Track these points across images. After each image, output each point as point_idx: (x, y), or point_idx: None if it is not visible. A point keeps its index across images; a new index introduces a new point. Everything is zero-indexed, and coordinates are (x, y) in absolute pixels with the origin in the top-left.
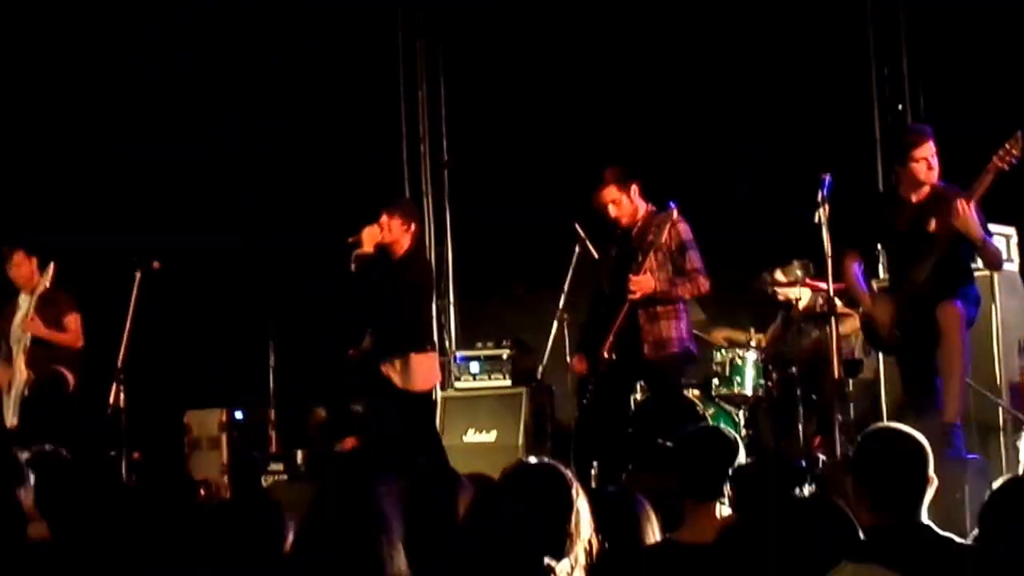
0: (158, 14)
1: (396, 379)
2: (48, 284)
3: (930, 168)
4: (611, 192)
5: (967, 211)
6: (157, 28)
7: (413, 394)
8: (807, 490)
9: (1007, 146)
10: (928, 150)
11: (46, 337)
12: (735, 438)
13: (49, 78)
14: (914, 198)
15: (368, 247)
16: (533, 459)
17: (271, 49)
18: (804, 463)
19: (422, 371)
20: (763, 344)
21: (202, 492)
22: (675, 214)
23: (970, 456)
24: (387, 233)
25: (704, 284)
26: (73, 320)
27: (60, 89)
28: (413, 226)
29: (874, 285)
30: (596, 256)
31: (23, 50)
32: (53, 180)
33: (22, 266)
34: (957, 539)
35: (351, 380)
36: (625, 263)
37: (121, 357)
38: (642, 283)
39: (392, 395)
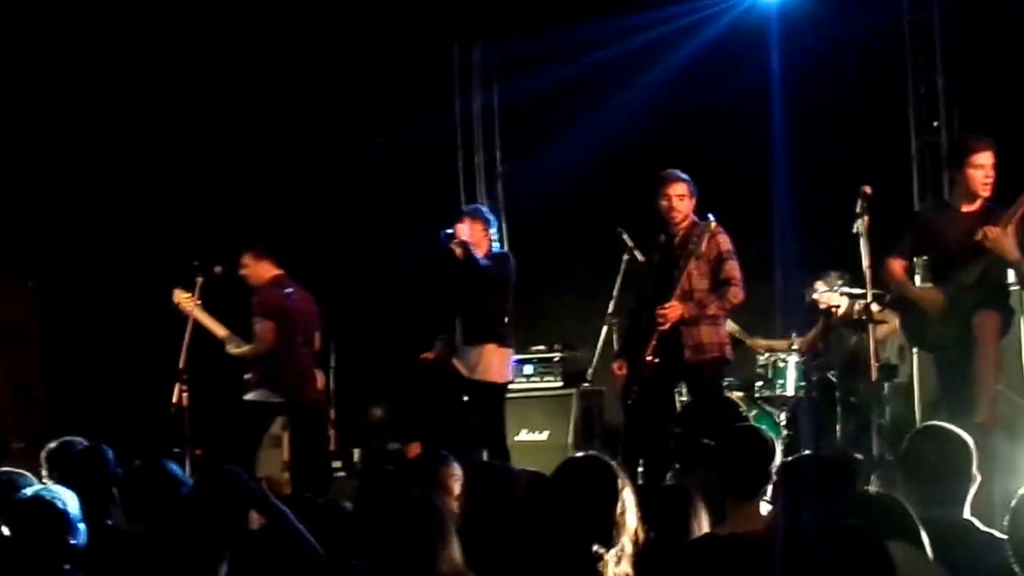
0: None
1: (465, 372)
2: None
3: (986, 178)
4: (681, 187)
5: (998, 234)
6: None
7: (487, 385)
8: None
9: None
10: (987, 159)
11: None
12: (771, 439)
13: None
14: (965, 208)
15: (463, 237)
16: (581, 454)
17: (327, 60)
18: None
19: (498, 363)
20: (804, 347)
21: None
22: (714, 225)
23: (1001, 456)
24: (470, 234)
25: (738, 295)
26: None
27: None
28: (491, 231)
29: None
30: (641, 260)
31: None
32: (123, 183)
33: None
34: (997, 533)
35: (416, 381)
36: (667, 270)
37: (183, 358)
38: (669, 313)
39: (463, 387)
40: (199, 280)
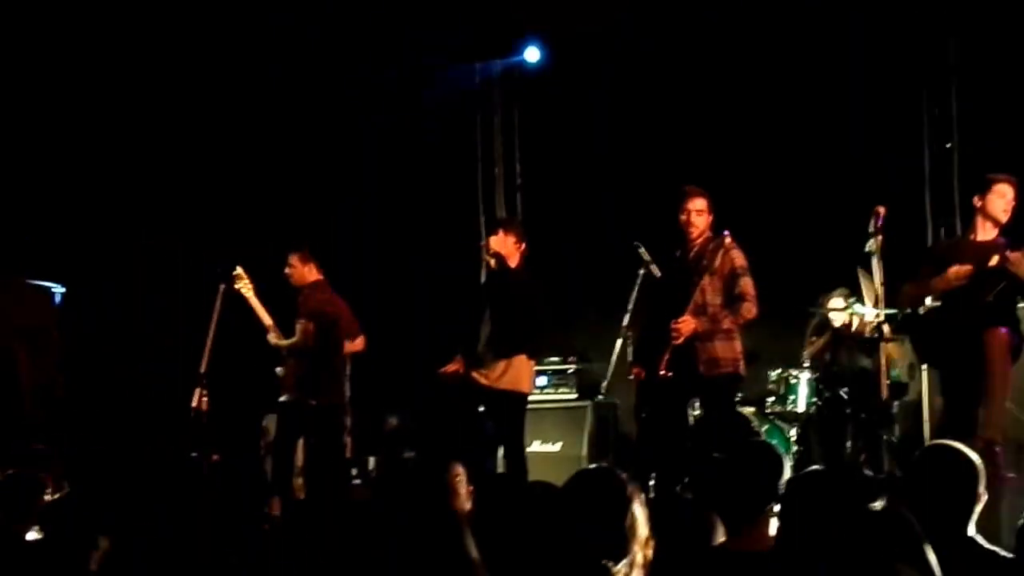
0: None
1: (487, 381)
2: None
3: (1008, 205)
4: (701, 203)
5: (1020, 257)
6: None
7: (510, 394)
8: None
9: None
10: (1011, 192)
11: None
12: (780, 455)
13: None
14: (980, 236)
15: (494, 248)
16: (592, 466)
17: (350, 71)
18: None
19: (523, 374)
20: (811, 354)
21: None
22: (729, 240)
23: (1008, 475)
24: (502, 245)
25: (751, 310)
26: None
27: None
28: (523, 246)
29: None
30: (658, 276)
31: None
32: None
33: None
34: (1002, 552)
35: (435, 392)
36: (681, 285)
37: (204, 363)
38: (683, 328)
39: (481, 397)
40: (222, 287)
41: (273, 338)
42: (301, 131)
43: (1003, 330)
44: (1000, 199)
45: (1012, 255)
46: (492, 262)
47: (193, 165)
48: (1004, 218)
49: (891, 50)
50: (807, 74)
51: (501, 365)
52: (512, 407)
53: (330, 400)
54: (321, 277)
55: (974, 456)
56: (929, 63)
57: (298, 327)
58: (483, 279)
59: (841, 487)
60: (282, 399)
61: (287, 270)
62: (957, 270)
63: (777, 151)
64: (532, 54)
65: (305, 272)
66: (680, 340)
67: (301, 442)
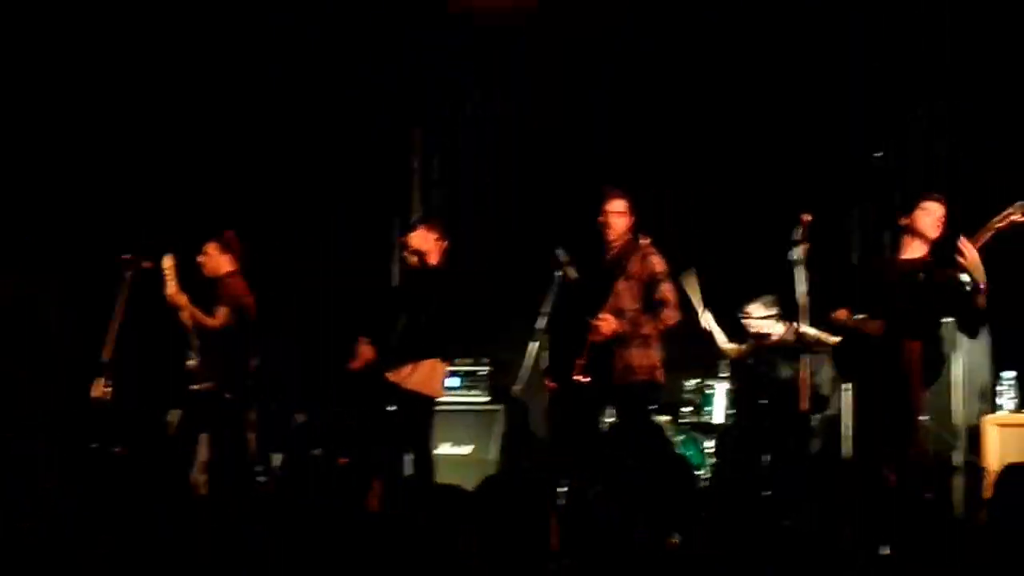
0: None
1: (403, 382)
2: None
3: (936, 223)
4: (622, 204)
5: (974, 250)
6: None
7: (420, 397)
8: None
9: (1008, 211)
10: (938, 210)
11: None
12: (692, 465)
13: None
14: (907, 254)
15: (418, 246)
16: (505, 471)
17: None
18: (768, 495)
19: (434, 376)
20: (731, 355)
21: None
22: (646, 244)
23: (926, 495)
24: (423, 242)
25: (672, 316)
26: None
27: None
28: (445, 243)
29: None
30: (574, 278)
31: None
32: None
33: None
34: None
35: (345, 388)
36: (598, 288)
37: (107, 353)
38: (604, 325)
39: (392, 396)
40: (128, 275)
41: (188, 316)
42: (221, 120)
43: (919, 345)
44: (927, 216)
45: (966, 244)
46: (413, 259)
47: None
48: (933, 234)
49: (821, 54)
50: (733, 78)
51: (411, 366)
52: (420, 409)
53: (242, 394)
54: (236, 268)
55: (888, 476)
56: (856, 68)
57: (219, 312)
58: (400, 276)
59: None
60: (194, 388)
61: (201, 258)
62: (874, 327)
63: (697, 156)
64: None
65: (221, 262)
66: (599, 338)
67: (205, 436)
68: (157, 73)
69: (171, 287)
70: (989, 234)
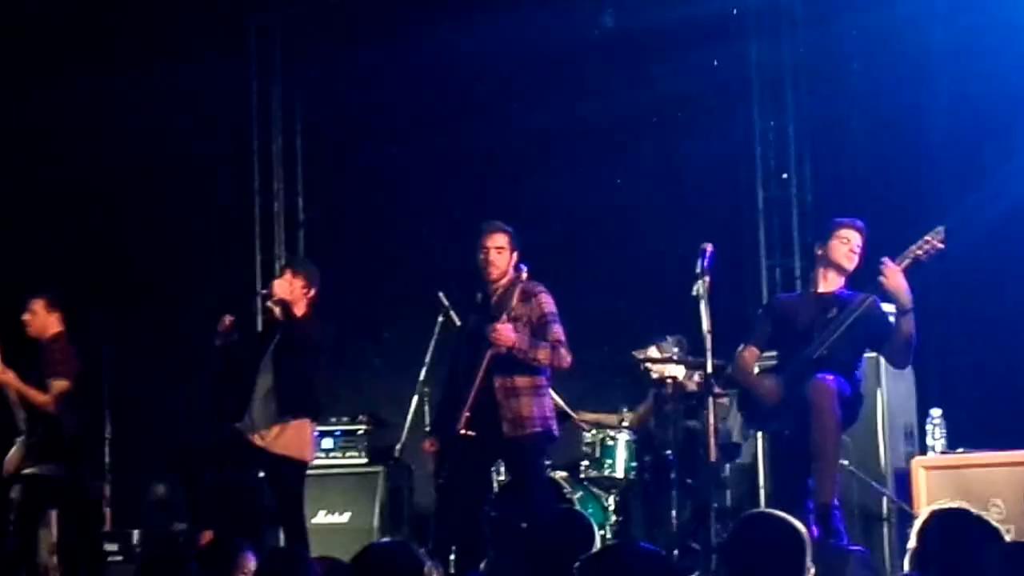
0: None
1: (278, 445)
2: None
3: (851, 252)
4: (501, 239)
5: (896, 271)
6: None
7: (289, 461)
8: None
9: (928, 238)
10: (855, 238)
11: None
12: (590, 523)
13: None
14: (821, 288)
15: (281, 295)
16: (386, 540)
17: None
18: (676, 553)
19: (303, 438)
20: (633, 424)
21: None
22: (528, 279)
23: (853, 547)
24: (288, 290)
25: (566, 358)
26: None
27: None
28: (312, 292)
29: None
30: (457, 324)
31: None
32: None
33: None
34: None
35: (205, 449)
36: (482, 332)
37: None
38: (503, 332)
39: (265, 463)
40: None
41: (15, 392)
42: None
43: (829, 378)
44: (843, 245)
45: (889, 266)
46: (276, 310)
47: None
48: (849, 265)
49: (719, 73)
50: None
51: (278, 427)
52: (289, 474)
53: (80, 472)
54: (63, 328)
55: (798, 525)
56: (764, 87)
57: (54, 385)
58: (262, 327)
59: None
60: (28, 471)
61: (27, 316)
62: (768, 390)
63: (596, 183)
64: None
65: (49, 322)
66: (500, 347)
67: (55, 516)
68: None
69: None
70: (907, 261)
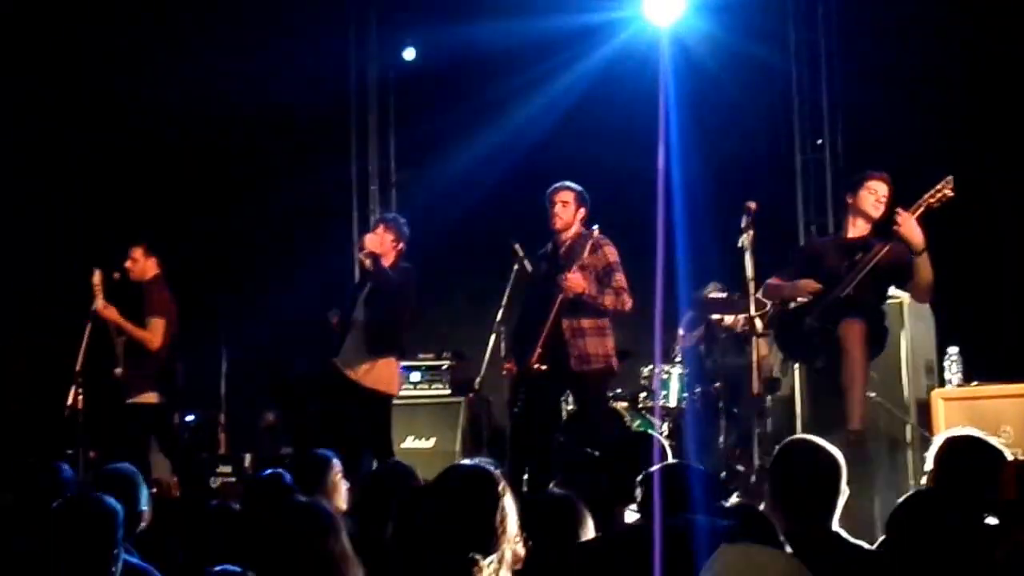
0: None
1: (369, 380)
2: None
3: (877, 202)
4: (567, 195)
5: (909, 218)
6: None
7: (379, 394)
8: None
9: (939, 186)
10: (882, 189)
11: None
12: (663, 443)
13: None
14: (851, 233)
15: (372, 248)
16: (464, 461)
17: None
18: (723, 475)
19: (389, 374)
20: (688, 343)
21: (154, 491)
22: (597, 234)
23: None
24: (379, 243)
25: (627, 302)
26: None
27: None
28: (401, 245)
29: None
30: (530, 270)
31: None
32: None
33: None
34: (866, 546)
35: (307, 382)
36: (552, 279)
37: (80, 360)
38: (574, 280)
39: (358, 396)
40: (96, 281)
41: (116, 327)
42: (173, 129)
43: (859, 321)
44: (871, 195)
45: (902, 214)
46: (367, 262)
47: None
48: (875, 213)
49: (760, 43)
50: (677, 68)
51: (367, 364)
52: (377, 406)
53: (174, 400)
54: (159, 271)
55: (835, 451)
56: (801, 57)
57: (152, 322)
58: (358, 276)
59: (700, 481)
60: (130, 401)
61: (128, 263)
62: (806, 286)
63: (651, 147)
64: (408, 53)
65: (147, 267)
66: (568, 292)
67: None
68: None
69: (99, 302)
70: (921, 210)
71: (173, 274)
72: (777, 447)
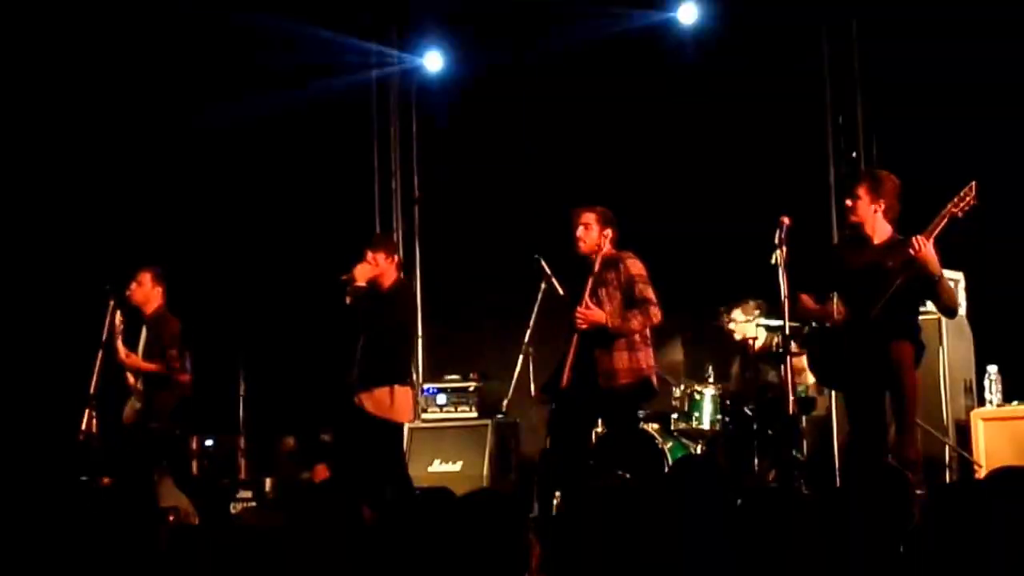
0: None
1: (372, 408)
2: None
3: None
4: (587, 216)
5: (925, 245)
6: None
7: (388, 424)
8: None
9: (962, 194)
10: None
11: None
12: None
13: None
14: (877, 239)
15: (361, 282)
16: (483, 487)
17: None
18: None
19: (402, 403)
20: (729, 389)
21: (171, 518)
22: (624, 252)
23: (918, 491)
24: (375, 267)
25: (656, 314)
26: None
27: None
28: (396, 257)
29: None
30: (561, 292)
31: None
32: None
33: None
34: None
35: (324, 409)
36: (577, 299)
37: (94, 383)
38: (588, 315)
39: (366, 424)
40: (111, 303)
41: (132, 361)
42: (188, 139)
43: (908, 341)
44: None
45: (917, 241)
46: (348, 298)
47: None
48: (896, 216)
49: (793, 55)
50: (707, 78)
51: (368, 392)
52: (382, 434)
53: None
54: (163, 303)
55: (908, 476)
56: (834, 69)
57: (170, 354)
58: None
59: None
60: (155, 427)
61: (132, 285)
62: (831, 312)
63: (682, 163)
64: (434, 62)
65: (152, 295)
66: (584, 326)
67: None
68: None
69: (121, 351)
70: (944, 220)
71: (190, 297)
72: (853, 466)
